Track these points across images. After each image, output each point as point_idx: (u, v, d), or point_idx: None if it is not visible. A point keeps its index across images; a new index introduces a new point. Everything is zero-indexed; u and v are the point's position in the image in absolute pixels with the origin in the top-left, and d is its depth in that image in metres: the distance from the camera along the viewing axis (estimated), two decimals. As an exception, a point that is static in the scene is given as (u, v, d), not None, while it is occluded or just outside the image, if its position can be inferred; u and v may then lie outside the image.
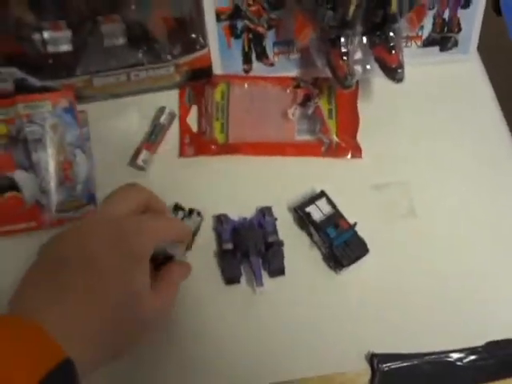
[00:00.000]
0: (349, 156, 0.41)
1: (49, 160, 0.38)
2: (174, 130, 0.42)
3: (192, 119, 0.43)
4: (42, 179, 0.37)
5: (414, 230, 0.39)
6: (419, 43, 0.44)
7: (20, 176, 0.38)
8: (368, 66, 0.40)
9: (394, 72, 0.39)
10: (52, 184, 0.38)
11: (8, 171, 0.38)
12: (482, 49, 0.46)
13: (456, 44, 0.45)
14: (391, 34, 0.38)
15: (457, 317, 0.36)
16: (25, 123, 0.37)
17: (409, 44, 0.44)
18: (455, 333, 0.36)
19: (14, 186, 0.37)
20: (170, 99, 0.43)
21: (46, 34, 0.39)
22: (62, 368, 0.26)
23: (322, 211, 0.38)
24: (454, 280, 0.37)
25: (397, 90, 0.43)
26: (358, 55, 0.40)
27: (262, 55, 0.43)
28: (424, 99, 0.44)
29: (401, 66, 0.39)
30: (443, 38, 0.44)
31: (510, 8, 0.47)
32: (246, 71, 0.44)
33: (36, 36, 0.39)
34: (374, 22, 0.38)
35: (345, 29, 0.38)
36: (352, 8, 0.36)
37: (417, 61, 0.44)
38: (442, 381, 0.35)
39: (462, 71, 0.45)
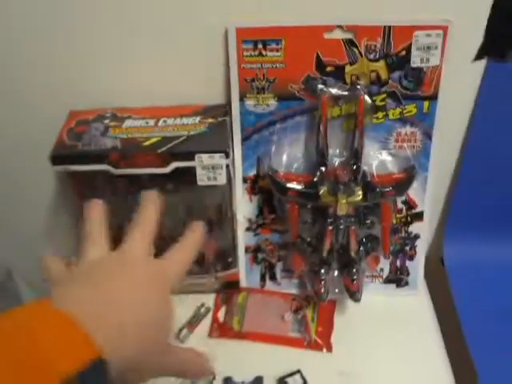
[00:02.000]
0: (324, 350, 0.59)
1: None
2: (207, 320, 0.63)
3: (221, 313, 0.63)
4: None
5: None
6: (381, 280, 0.65)
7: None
8: (336, 290, 0.61)
9: (354, 295, 0.59)
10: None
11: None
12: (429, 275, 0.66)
13: (407, 283, 0.65)
14: (354, 270, 0.59)
15: None
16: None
17: (374, 280, 0.65)
18: None
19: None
20: (208, 299, 0.65)
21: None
22: (96, 365, 0.28)
23: (295, 382, 0.55)
24: None
25: (363, 312, 0.62)
26: (332, 282, 0.61)
27: (273, 277, 0.65)
28: (382, 321, 0.62)
29: (358, 291, 0.59)
30: (397, 279, 0.65)
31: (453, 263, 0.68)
32: (262, 286, 0.65)
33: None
34: (343, 263, 0.60)
35: (323, 265, 0.59)
36: (325, 251, 0.58)
37: (380, 292, 0.64)
38: None
39: (413, 303, 0.64)
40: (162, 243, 0.55)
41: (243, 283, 0.65)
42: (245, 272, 0.65)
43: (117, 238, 0.55)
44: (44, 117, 0.58)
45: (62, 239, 0.69)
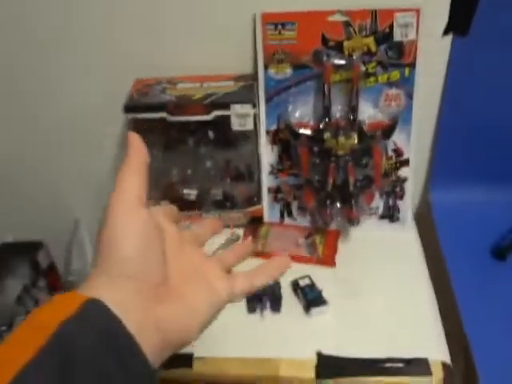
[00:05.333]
0: (328, 265, 0.75)
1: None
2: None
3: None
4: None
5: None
6: (377, 217, 0.81)
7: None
8: (339, 218, 0.77)
9: (352, 221, 0.75)
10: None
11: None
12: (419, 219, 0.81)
13: (398, 219, 0.80)
14: (352, 202, 0.75)
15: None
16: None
17: (371, 217, 0.81)
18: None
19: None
20: (238, 231, 0.82)
21: (185, 191, 0.81)
22: (90, 304, 0.32)
23: (305, 283, 0.70)
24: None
25: (363, 241, 0.78)
26: (336, 213, 0.77)
27: (290, 213, 0.82)
28: (377, 248, 0.77)
29: (356, 218, 0.75)
30: (390, 215, 0.80)
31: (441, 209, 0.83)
32: (281, 221, 0.82)
33: (181, 191, 0.81)
34: (344, 197, 0.76)
35: (328, 197, 0.76)
36: (330, 185, 0.74)
37: (375, 227, 0.80)
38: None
39: (402, 235, 0.80)
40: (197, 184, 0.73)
41: (266, 218, 0.82)
42: (268, 209, 0.81)
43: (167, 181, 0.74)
44: (116, 83, 0.77)
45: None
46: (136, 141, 0.41)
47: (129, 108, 0.70)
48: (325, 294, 0.69)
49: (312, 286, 0.70)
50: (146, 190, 0.39)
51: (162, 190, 0.80)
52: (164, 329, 0.36)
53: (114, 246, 0.36)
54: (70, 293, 0.33)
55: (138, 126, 0.74)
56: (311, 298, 0.68)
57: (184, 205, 0.80)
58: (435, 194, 0.82)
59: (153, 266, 0.37)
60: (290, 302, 0.70)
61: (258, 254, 0.76)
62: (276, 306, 0.68)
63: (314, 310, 0.67)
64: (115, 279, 0.35)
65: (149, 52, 0.75)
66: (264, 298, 0.68)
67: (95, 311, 0.32)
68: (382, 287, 0.71)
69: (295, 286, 0.70)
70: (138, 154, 0.40)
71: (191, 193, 0.81)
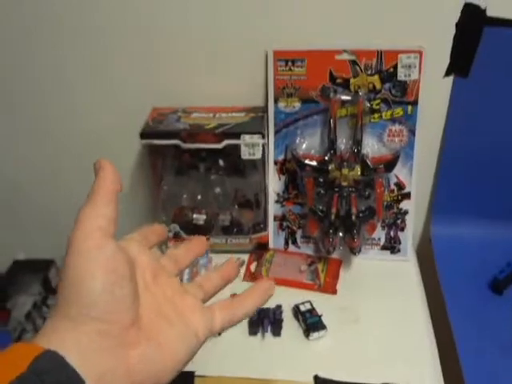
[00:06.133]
0: (329, 292, 0.77)
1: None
2: (241, 270, 0.82)
3: (253, 266, 0.83)
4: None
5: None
6: (378, 248, 0.83)
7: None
8: (341, 248, 0.79)
9: (354, 250, 0.77)
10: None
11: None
12: (420, 252, 0.83)
13: (399, 250, 0.83)
14: (354, 231, 0.78)
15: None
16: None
17: (373, 247, 0.83)
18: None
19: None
20: (243, 257, 0.84)
21: (194, 215, 0.85)
22: (42, 357, 0.29)
23: (306, 308, 0.73)
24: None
25: (364, 270, 0.81)
26: (339, 243, 0.80)
27: (294, 241, 0.84)
28: (378, 278, 0.80)
29: (357, 247, 0.77)
30: (391, 247, 0.83)
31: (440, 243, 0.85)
32: (286, 248, 0.85)
33: (191, 216, 0.84)
34: (346, 227, 0.79)
35: (331, 227, 0.78)
36: (333, 214, 0.77)
37: (376, 257, 0.83)
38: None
39: (402, 266, 0.82)
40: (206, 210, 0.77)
41: (271, 245, 0.84)
42: (273, 236, 0.84)
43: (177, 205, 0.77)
44: (134, 110, 0.81)
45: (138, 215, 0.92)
46: (105, 169, 0.37)
47: (144, 134, 0.74)
48: (324, 320, 0.71)
49: (312, 311, 0.72)
50: (114, 221, 0.35)
51: (172, 213, 0.84)
52: (134, 376, 0.33)
53: (77, 285, 0.32)
54: (23, 344, 0.30)
55: (152, 151, 0.78)
56: (311, 322, 0.70)
57: (193, 229, 0.83)
58: (436, 228, 0.85)
59: (122, 306, 0.34)
60: (291, 325, 0.72)
61: (261, 279, 0.79)
62: (277, 329, 0.71)
63: (314, 335, 0.69)
64: (79, 323, 0.32)
65: (167, 83, 0.80)
66: (265, 322, 0.71)
67: (48, 364, 0.29)
68: (380, 316, 0.73)
69: (296, 310, 0.73)
70: (105, 183, 0.37)
71: (200, 217, 0.84)
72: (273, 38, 0.75)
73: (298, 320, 0.72)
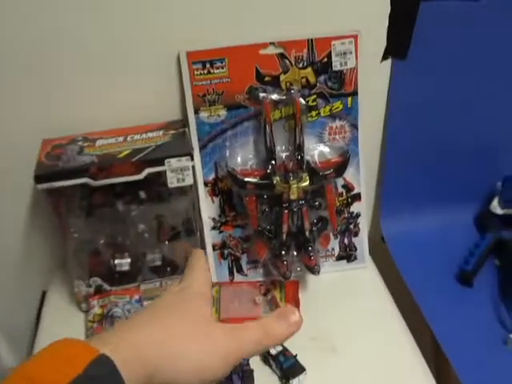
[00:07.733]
0: (294, 323, 0.67)
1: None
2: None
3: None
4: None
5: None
6: (333, 258, 0.74)
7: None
8: (298, 269, 0.69)
9: (312, 269, 0.68)
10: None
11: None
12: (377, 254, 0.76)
13: (356, 258, 0.75)
14: (310, 248, 0.68)
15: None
16: (113, 307, 0.66)
17: (327, 259, 0.74)
18: None
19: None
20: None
21: (116, 261, 0.70)
22: (97, 361, 0.30)
23: (277, 350, 0.62)
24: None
25: (323, 287, 0.71)
26: (293, 263, 0.70)
27: (240, 269, 0.73)
28: (340, 292, 0.71)
29: (316, 265, 0.68)
30: (347, 255, 0.74)
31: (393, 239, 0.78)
32: (231, 280, 0.73)
33: (112, 263, 0.69)
34: (299, 244, 0.69)
35: (283, 247, 0.68)
36: (284, 234, 0.67)
37: (333, 269, 0.74)
38: None
39: (362, 274, 0.74)
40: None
41: (214, 278, 0.72)
42: (214, 268, 0.72)
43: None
44: (19, 145, 0.64)
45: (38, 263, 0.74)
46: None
47: (40, 177, 0.58)
48: (300, 358, 0.61)
49: (285, 352, 0.61)
50: None
51: (87, 264, 0.68)
52: None
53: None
54: (83, 344, 0.31)
55: (53, 192, 0.62)
56: (287, 367, 0.60)
57: (118, 278, 0.68)
58: (387, 227, 0.78)
59: None
60: (264, 374, 0.61)
61: (213, 322, 0.67)
62: (249, 383, 0.59)
63: (294, 382, 0.59)
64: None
65: (57, 107, 0.64)
66: (234, 378, 0.59)
67: (101, 370, 0.30)
68: (355, 333, 0.66)
69: (265, 355, 0.61)
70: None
71: (124, 262, 0.69)
72: (184, 38, 0.62)
73: (270, 366, 0.61)
